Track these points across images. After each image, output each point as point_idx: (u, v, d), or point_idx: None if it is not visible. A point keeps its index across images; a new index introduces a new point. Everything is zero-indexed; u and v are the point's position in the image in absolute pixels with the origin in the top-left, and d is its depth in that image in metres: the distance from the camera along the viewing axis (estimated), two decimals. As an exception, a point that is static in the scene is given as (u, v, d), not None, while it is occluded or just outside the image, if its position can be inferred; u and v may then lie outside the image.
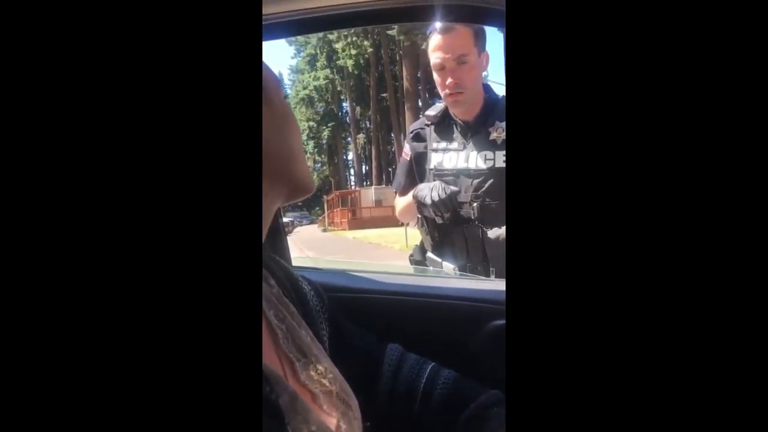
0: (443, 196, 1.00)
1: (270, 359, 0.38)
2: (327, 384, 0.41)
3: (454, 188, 1.02)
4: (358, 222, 19.55)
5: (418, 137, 1.16)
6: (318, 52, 26.15)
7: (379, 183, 24.19)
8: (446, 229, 1.08)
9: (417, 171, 1.16)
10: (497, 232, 1.01)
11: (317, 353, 0.43)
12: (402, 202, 1.19)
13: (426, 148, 1.13)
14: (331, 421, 0.39)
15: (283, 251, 0.73)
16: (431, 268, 1.11)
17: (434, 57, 1.02)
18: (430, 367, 0.53)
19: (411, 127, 1.20)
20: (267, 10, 0.66)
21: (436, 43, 1.01)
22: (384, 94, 26.19)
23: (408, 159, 1.18)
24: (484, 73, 1.07)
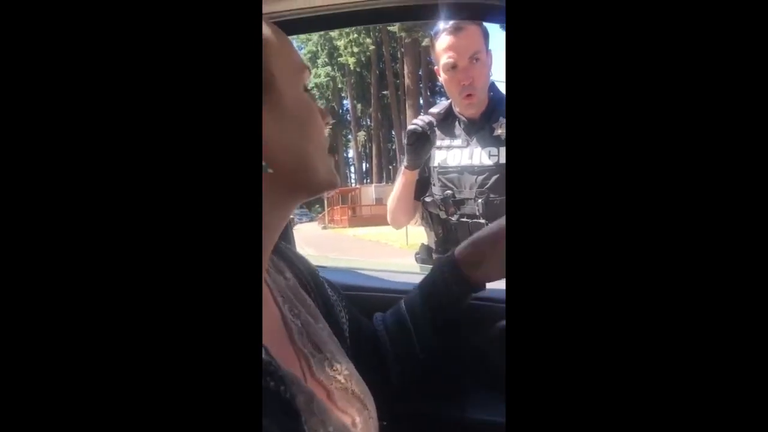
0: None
1: (286, 355, 0.38)
2: (342, 381, 0.41)
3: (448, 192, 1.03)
4: (358, 219, 19.53)
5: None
6: (319, 49, 26.08)
7: (380, 181, 24.16)
8: (451, 225, 1.09)
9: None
10: (501, 229, 1.02)
11: (333, 349, 0.43)
12: (394, 192, 1.13)
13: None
14: (347, 419, 0.39)
15: (289, 243, 0.73)
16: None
17: (445, 57, 1.01)
18: (402, 301, 0.56)
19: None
20: (270, 8, 0.66)
21: (447, 43, 1.00)
22: (385, 92, 26.13)
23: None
24: (489, 72, 1.07)
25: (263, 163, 0.35)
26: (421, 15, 0.72)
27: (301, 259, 0.51)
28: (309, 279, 0.49)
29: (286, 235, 0.73)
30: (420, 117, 1.06)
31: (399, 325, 0.54)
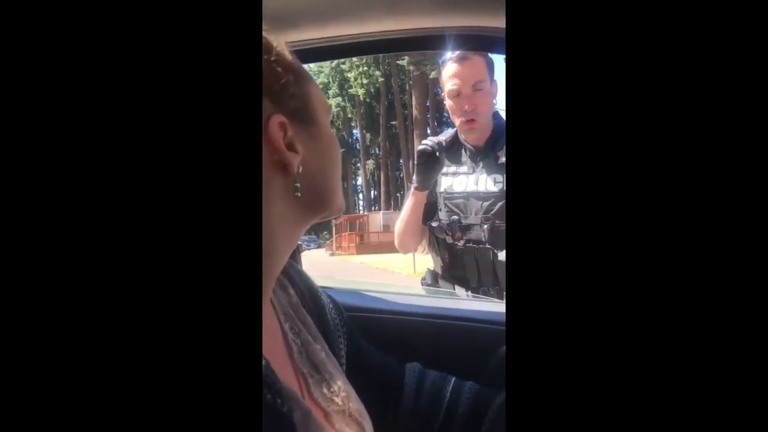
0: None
1: (286, 373, 0.38)
2: (340, 403, 0.40)
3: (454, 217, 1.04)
4: (365, 247, 19.49)
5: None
6: (330, 80, 26.90)
7: (388, 208, 24.29)
8: (457, 251, 1.09)
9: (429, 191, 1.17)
10: (507, 254, 1.01)
11: (331, 370, 0.43)
12: (403, 214, 1.14)
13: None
14: None
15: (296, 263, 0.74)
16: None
17: (450, 84, 1.05)
18: (453, 380, 0.53)
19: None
20: (286, 39, 0.70)
21: (452, 71, 1.04)
22: (393, 122, 26.71)
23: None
24: (494, 101, 1.10)
25: (296, 185, 0.38)
26: (429, 45, 0.75)
27: (304, 277, 0.51)
28: (309, 298, 0.49)
29: (294, 257, 0.73)
30: (429, 138, 1.09)
31: (432, 396, 0.51)
